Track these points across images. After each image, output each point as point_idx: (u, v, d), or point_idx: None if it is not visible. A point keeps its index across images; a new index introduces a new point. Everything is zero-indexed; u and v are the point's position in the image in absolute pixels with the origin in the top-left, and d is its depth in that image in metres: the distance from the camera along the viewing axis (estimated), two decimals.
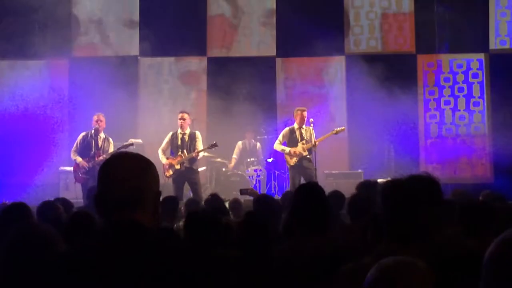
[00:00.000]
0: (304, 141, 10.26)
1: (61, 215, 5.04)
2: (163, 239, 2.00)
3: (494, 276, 1.59)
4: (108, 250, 1.90)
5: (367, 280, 1.95)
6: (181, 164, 9.99)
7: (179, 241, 2.04)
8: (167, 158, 10.08)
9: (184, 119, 10.19)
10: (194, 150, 10.03)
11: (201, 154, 10.29)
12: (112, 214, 1.98)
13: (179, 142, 10.12)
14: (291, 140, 10.39)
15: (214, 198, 6.33)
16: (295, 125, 10.43)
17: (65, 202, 6.37)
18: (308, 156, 10.25)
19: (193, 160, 10.06)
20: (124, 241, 1.91)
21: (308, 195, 3.52)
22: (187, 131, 10.21)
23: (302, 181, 10.11)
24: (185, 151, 10.02)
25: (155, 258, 1.87)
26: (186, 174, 10.02)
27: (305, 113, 10.40)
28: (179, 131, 10.21)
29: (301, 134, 10.36)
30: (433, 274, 1.93)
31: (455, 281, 2.35)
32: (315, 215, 3.43)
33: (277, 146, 10.49)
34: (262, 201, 5.51)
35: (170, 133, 10.33)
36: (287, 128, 10.55)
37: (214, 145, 10.18)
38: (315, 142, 10.20)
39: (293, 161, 10.29)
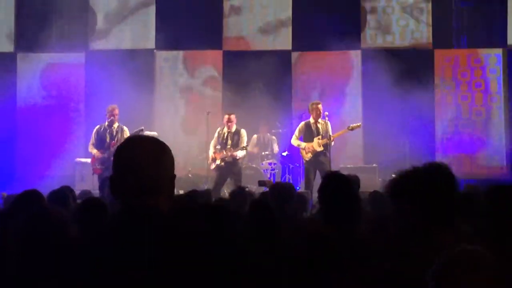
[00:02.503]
0: (320, 136, 10.24)
1: (70, 203, 5.07)
2: (180, 223, 1.98)
3: None
4: (124, 235, 1.88)
5: (435, 267, 1.96)
6: (223, 159, 10.43)
7: (196, 226, 2.01)
8: (214, 152, 10.57)
9: (231, 121, 10.61)
10: (238, 146, 10.47)
11: (240, 154, 10.54)
12: (128, 199, 1.95)
13: (224, 140, 10.55)
14: (307, 135, 10.37)
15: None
16: (311, 119, 10.40)
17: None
18: (324, 151, 10.23)
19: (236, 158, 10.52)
20: (140, 226, 1.88)
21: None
22: (233, 129, 10.59)
23: (318, 175, 10.10)
24: (230, 148, 10.45)
25: (172, 243, 1.85)
26: (229, 168, 10.49)
27: (320, 106, 10.37)
28: (225, 129, 10.60)
29: (317, 128, 10.33)
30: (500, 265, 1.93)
31: None
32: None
33: (294, 141, 10.50)
34: (277, 189, 5.53)
35: (218, 130, 10.74)
36: (302, 123, 10.53)
37: (245, 148, 10.60)
38: (330, 137, 10.17)
39: (308, 156, 10.29)
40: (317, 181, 9.76)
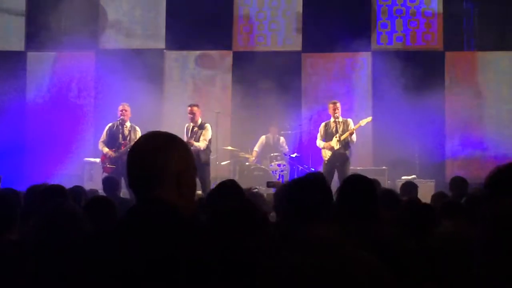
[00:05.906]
0: (338, 135, 10.26)
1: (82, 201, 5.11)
2: (182, 218, 1.98)
3: None
4: (130, 226, 1.92)
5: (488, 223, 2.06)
6: None
7: (199, 223, 2.01)
8: None
9: (192, 113, 9.96)
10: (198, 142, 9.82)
11: (198, 145, 9.75)
12: (136, 190, 2.00)
13: (189, 134, 10.00)
14: (327, 135, 10.42)
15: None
16: (331, 119, 10.45)
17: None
18: (343, 152, 10.21)
19: (197, 152, 9.56)
20: (146, 218, 1.92)
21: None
22: (199, 122, 10.04)
23: (335, 177, 10.07)
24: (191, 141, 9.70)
25: (173, 236, 1.87)
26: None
27: (336, 105, 10.40)
28: (191, 124, 10.05)
29: (336, 127, 10.34)
30: None
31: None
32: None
33: (317, 143, 10.55)
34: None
35: (186, 125, 10.19)
36: (323, 123, 10.62)
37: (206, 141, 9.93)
38: (347, 134, 10.15)
39: (327, 155, 10.30)
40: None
